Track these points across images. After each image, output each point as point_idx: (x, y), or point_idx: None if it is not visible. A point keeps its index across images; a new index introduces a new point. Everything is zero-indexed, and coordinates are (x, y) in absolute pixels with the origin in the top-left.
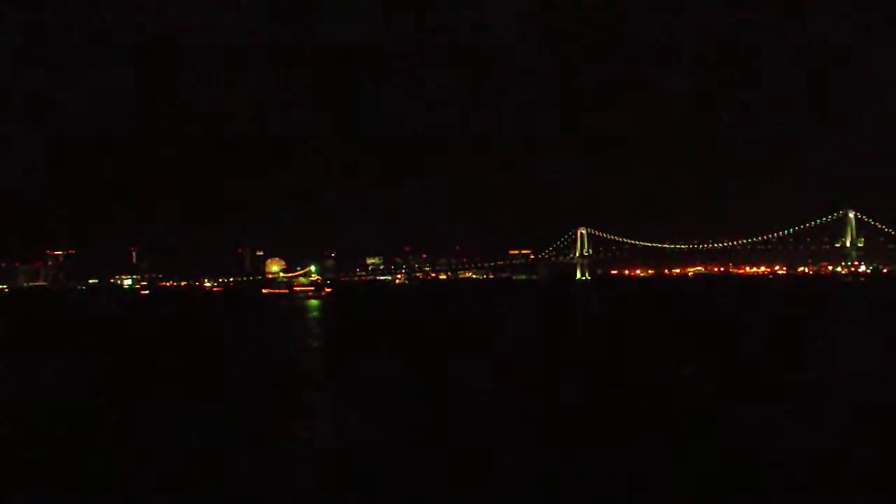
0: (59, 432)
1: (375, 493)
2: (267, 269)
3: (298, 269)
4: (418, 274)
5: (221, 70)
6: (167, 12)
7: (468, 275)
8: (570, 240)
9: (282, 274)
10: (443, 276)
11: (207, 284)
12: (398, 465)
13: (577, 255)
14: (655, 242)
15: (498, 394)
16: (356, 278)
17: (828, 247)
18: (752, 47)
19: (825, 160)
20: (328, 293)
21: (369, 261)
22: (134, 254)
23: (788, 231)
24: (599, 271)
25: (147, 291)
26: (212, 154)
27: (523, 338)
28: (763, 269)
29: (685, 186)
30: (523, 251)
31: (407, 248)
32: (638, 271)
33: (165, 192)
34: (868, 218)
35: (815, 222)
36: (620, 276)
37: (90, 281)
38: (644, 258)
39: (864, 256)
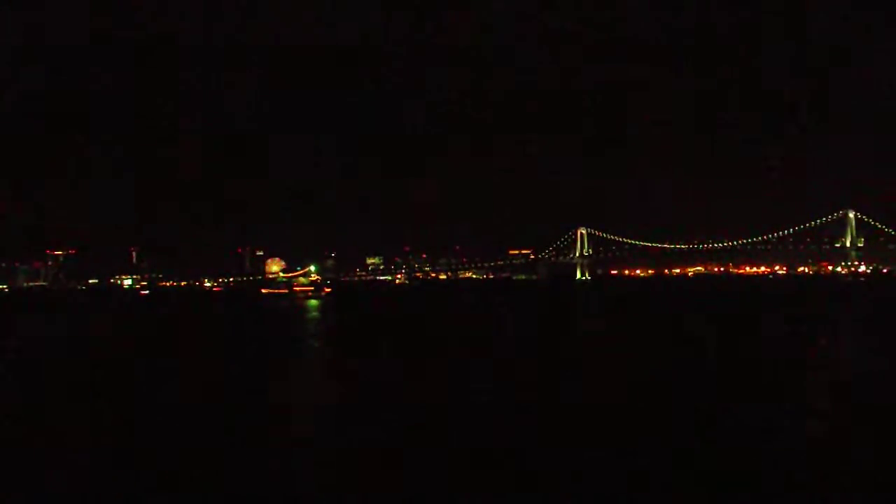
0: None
1: (375, 492)
2: (267, 269)
3: (298, 269)
4: (418, 274)
5: (221, 70)
6: (167, 12)
7: (468, 275)
8: (570, 240)
9: (281, 274)
10: (443, 276)
11: (207, 284)
12: (396, 465)
13: (577, 255)
14: (655, 242)
15: (497, 393)
16: (356, 278)
17: (828, 247)
18: (753, 47)
19: (825, 160)
20: (328, 293)
21: (369, 261)
22: (134, 254)
23: (788, 231)
24: (599, 271)
25: (147, 291)
26: (212, 154)
27: (523, 338)
28: (763, 269)
29: (685, 186)
30: (523, 251)
31: (407, 248)
32: (638, 271)
33: (165, 192)
34: (868, 218)
35: (815, 222)
36: (620, 276)
37: (90, 281)
38: (644, 258)
39: (864, 256)
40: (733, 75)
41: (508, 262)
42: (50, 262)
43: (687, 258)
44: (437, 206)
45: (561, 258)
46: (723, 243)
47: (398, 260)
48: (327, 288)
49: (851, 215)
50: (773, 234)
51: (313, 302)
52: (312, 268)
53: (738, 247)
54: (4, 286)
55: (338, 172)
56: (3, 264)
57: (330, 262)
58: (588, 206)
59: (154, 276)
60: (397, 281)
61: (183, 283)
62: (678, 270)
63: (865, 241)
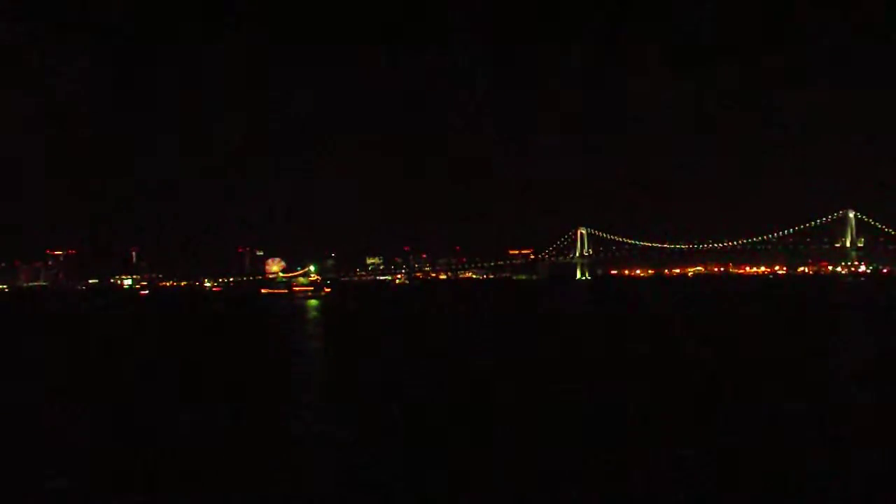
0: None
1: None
2: (267, 269)
3: (298, 269)
4: (418, 274)
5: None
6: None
7: (468, 275)
8: (570, 240)
9: (281, 274)
10: (443, 276)
11: (207, 284)
12: (390, 463)
13: (577, 255)
14: (655, 242)
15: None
16: (356, 278)
17: (828, 247)
18: (753, 48)
19: (825, 160)
20: (327, 293)
21: (369, 261)
22: (134, 254)
23: (788, 231)
24: (599, 271)
25: (147, 291)
26: (212, 155)
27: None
28: (763, 269)
29: (685, 186)
30: (523, 251)
31: (407, 248)
32: (638, 271)
33: (165, 192)
34: (868, 218)
35: (815, 222)
36: (620, 276)
37: (90, 281)
38: (644, 258)
39: (864, 256)
40: (734, 75)
41: (508, 262)
42: (50, 262)
43: (687, 258)
44: (437, 206)
45: (561, 258)
46: (723, 243)
47: (398, 260)
48: (327, 288)
49: (851, 215)
50: (773, 234)
51: (313, 302)
52: (312, 268)
53: (738, 247)
54: (4, 286)
55: (338, 172)
56: (3, 264)
57: (330, 262)
58: (588, 206)
59: (154, 276)
60: (397, 281)
61: (183, 283)
62: (678, 270)
63: (865, 241)
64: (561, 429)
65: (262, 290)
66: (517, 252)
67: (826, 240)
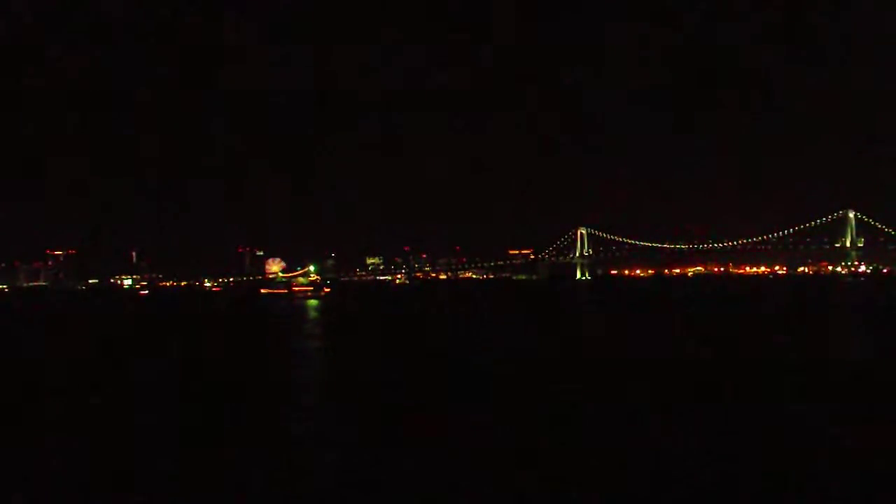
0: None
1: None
2: (267, 269)
3: (298, 269)
4: (418, 274)
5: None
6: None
7: (468, 275)
8: (570, 240)
9: (281, 274)
10: (443, 276)
11: (207, 284)
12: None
13: (577, 255)
14: (655, 242)
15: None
16: (356, 278)
17: (828, 247)
18: (752, 48)
19: (825, 160)
20: (327, 293)
21: (369, 261)
22: (134, 254)
23: (788, 231)
24: (599, 271)
25: (147, 291)
26: (213, 155)
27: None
28: (763, 269)
29: (685, 186)
30: (523, 251)
31: (407, 248)
32: (638, 271)
33: (165, 193)
34: (868, 218)
35: (815, 222)
36: (620, 276)
37: (90, 281)
38: (644, 258)
39: (864, 256)
40: (732, 75)
41: (508, 262)
42: (50, 262)
43: (687, 258)
44: (436, 207)
45: (561, 258)
46: (723, 243)
47: (398, 260)
48: (326, 288)
49: (851, 215)
50: (773, 234)
51: (312, 302)
52: (312, 268)
53: (738, 247)
54: (4, 286)
55: (338, 172)
56: (3, 264)
57: (330, 262)
58: (588, 206)
59: (154, 276)
60: (397, 281)
61: (183, 283)
62: (678, 270)
63: (865, 241)
64: (561, 429)
65: (262, 290)
66: (517, 252)
67: (826, 240)
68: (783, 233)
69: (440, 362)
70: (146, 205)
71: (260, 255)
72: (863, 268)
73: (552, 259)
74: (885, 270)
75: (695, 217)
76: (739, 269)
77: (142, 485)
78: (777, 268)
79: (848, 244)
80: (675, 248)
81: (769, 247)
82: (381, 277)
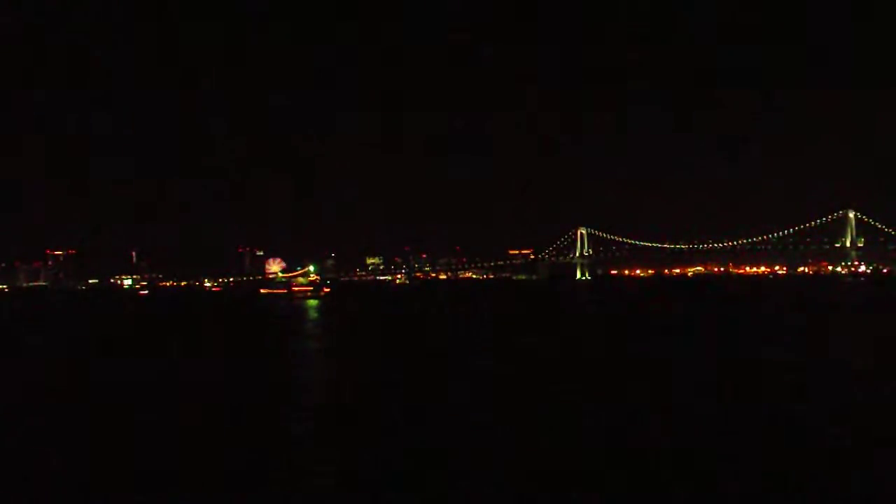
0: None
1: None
2: (267, 269)
3: (298, 269)
4: (418, 274)
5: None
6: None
7: (468, 275)
8: (570, 240)
9: (281, 274)
10: (443, 276)
11: (207, 284)
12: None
13: (577, 255)
14: (655, 242)
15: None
16: (356, 278)
17: (828, 247)
18: (751, 48)
19: (825, 160)
20: (327, 293)
21: (369, 261)
22: (134, 254)
23: (788, 231)
24: (599, 271)
25: (146, 291)
26: (213, 154)
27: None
28: (763, 269)
29: (685, 186)
30: (523, 251)
31: (407, 248)
32: (638, 271)
33: (165, 193)
34: (868, 218)
35: (815, 222)
36: (620, 276)
37: (90, 281)
38: (644, 258)
39: (864, 256)
40: (732, 75)
41: (508, 262)
42: (50, 262)
43: (687, 258)
44: (437, 206)
45: (561, 258)
46: (723, 243)
47: (398, 260)
48: (326, 288)
49: (851, 215)
50: (773, 234)
51: (312, 302)
52: (311, 268)
53: (738, 247)
54: (4, 286)
55: (337, 172)
56: (3, 264)
57: (330, 262)
58: (588, 206)
59: (154, 276)
60: (397, 281)
61: (183, 283)
62: (678, 270)
63: (865, 241)
64: (560, 429)
65: (262, 290)
66: (517, 252)
67: (826, 240)
68: (783, 233)
69: (440, 362)
70: (146, 205)
71: (260, 255)
72: (863, 268)
73: (552, 259)
74: (885, 270)
75: (695, 217)
76: (739, 269)
77: (141, 485)
78: (777, 268)
79: (848, 244)
80: (675, 248)
81: (769, 247)
82: (381, 277)
